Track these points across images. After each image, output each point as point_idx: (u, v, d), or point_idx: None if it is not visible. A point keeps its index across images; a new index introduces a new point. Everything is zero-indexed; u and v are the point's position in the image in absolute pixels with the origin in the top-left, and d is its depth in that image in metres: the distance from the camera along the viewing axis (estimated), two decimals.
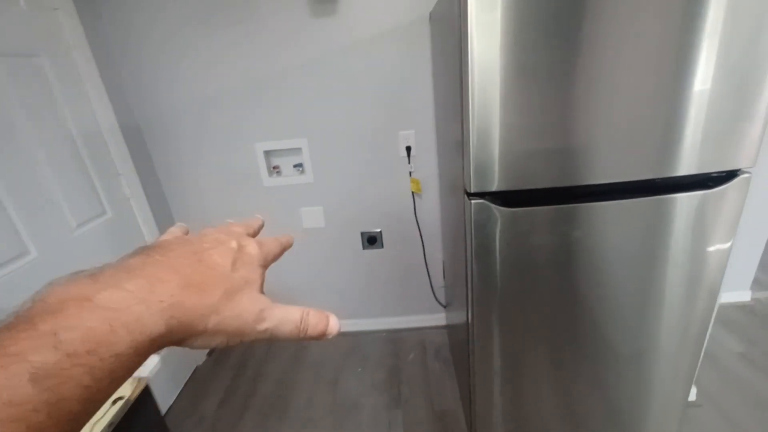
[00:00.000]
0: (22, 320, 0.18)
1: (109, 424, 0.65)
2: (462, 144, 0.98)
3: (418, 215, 1.78)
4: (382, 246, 1.86)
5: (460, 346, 1.52)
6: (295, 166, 1.74)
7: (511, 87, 0.89)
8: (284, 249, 0.32)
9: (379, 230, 1.83)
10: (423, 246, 1.84)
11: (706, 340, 1.20)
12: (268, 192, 1.75)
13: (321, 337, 0.27)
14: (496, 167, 0.96)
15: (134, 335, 0.19)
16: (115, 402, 0.68)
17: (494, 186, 0.97)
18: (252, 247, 0.27)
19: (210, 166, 1.72)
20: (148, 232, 1.62)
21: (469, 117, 0.91)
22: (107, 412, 0.66)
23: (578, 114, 0.92)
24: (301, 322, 0.26)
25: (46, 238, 1.18)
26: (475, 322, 1.13)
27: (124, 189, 1.51)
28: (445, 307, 1.98)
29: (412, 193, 1.74)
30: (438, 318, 2.02)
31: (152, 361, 0.76)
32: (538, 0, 0.82)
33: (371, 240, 1.85)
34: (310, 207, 1.78)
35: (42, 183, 1.18)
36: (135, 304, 0.19)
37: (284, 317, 0.25)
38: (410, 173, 1.71)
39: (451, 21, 1.02)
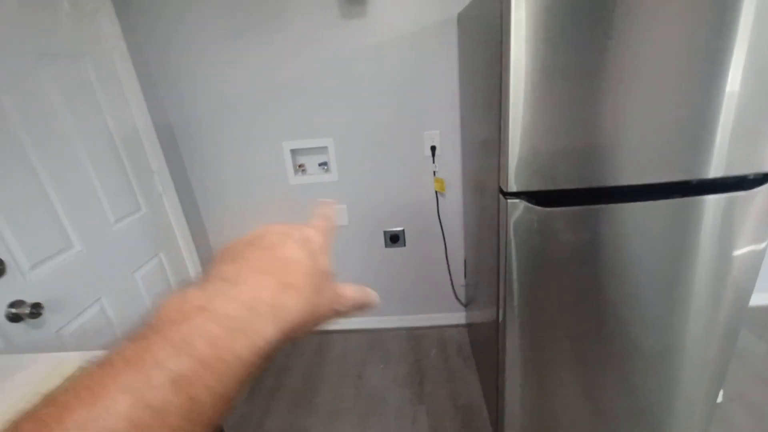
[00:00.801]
0: (151, 332, 0.19)
1: None
2: (499, 144, 0.99)
3: (440, 214, 1.80)
4: (405, 244, 1.89)
5: (484, 344, 1.53)
6: (320, 164, 1.77)
7: (544, 87, 0.90)
8: (332, 230, 0.32)
9: (401, 229, 1.86)
10: (445, 245, 1.86)
11: (736, 342, 1.20)
12: (293, 190, 1.79)
13: (370, 308, 0.30)
14: (532, 167, 0.98)
15: (252, 339, 0.20)
16: None
17: (530, 186, 0.99)
18: (315, 235, 0.29)
19: (237, 164, 1.76)
20: (178, 228, 1.67)
21: (508, 117, 0.92)
22: None
23: (610, 115, 0.93)
24: (361, 299, 0.29)
25: (88, 233, 1.22)
26: (506, 321, 1.15)
27: (157, 186, 1.56)
28: (465, 305, 2.00)
29: (436, 192, 1.76)
30: (458, 316, 2.04)
31: None
32: (573, 1, 0.84)
33: (394, 238, 1.87)
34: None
35: (85, 180, 1.23)
36: (246, 310, 0.20)
37: (353, 298, 0.29)
38: (434, 172, 1.73)
39: (486, 22, 1.03)
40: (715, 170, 0.97)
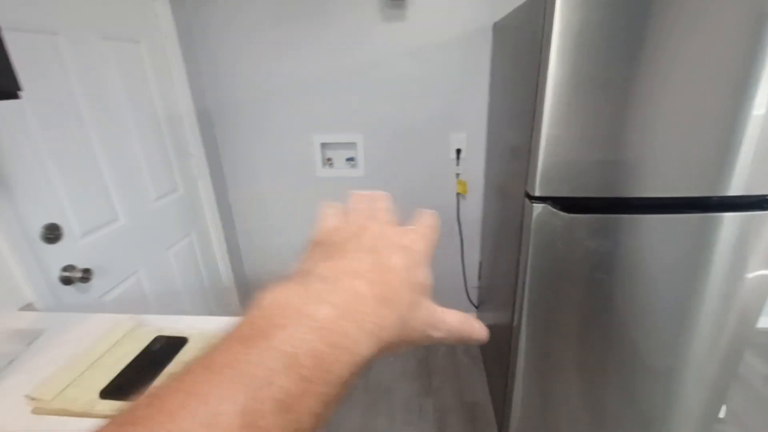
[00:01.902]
0: (257, 333, 0.17)
1: None
2: (529, 149, 1.04)
3: (460, 216, 1.85)
4: None
5: (494, 346, 1.58)
6: (347, 159, 1.84)
7: (577, 99, 0.95)
8: (435, 240, 0.29)
9: None
10: (462, 246, 1.91)
11: (739, 363, 1.23)
12: (319, 182, 1.85)
13: (475, 343, 0.27)
14: (559, 174, 1.03)
15: (353, 357, 0.18)
16: None
17: (556, 191, 1.04)
18: (419, 244, 0.26)
19: (268, 153, 1.83)
20: (209, 211, 1.74)
21: (541, 125, 0.98)
22: None
23: (638, 129, 0.97)
24: (465, 330, 0.26)
25: (132, 208, 1.30)
26: (522, 324, 1.19)
27: (193, 169, 1.63)
28: (477, 307, 2.05)
29: (457, 194, 1.81)
30: None
31: None
32: (611, 18, 0.88)
33: None
34: None
35: (133, 157, 1.31)
36: (347, 323, 0.19)
37: (453, 326, 0.25)
38: (457, 175, 1.78)
39: (525, 33, 1.09)
40: (735, 189, 1.01)
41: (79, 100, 1.10)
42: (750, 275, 1.10)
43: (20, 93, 0.66)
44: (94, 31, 1.15)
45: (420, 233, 0.27)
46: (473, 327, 0.26)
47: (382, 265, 0.23)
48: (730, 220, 1.04)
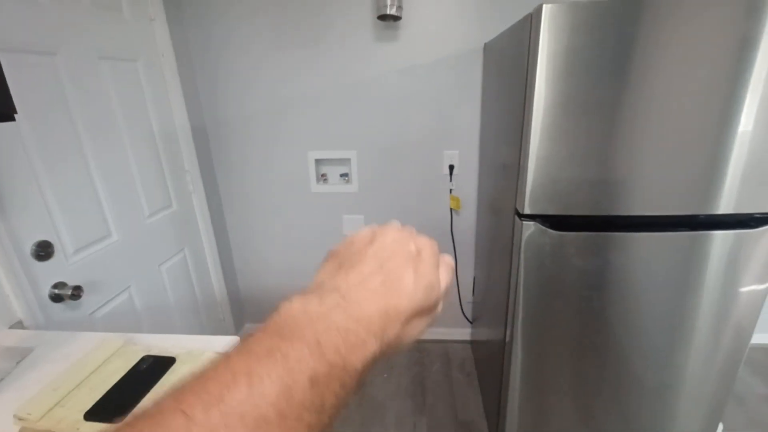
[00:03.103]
0: (281, 331, 0.20)
1: None
2: (518, 168, 1.06)
3: (453, 231, 1.86)
4: None
5: (488, 362, 1.57)
6: (341, 175, 1.85)
7: (564, 119, 0.97)
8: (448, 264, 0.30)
9: None
10: (456, 261, 1.92)
11: (735, 380, 1.23)
12: (314, 197, 1.86)
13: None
14: (548, 192, 1.04)
15: (365, 353, 0.21)
16: None
17: (545, 210, 1.05)
18: (429, 247, 0.28)
19: (263, 169, 1.84)
20: (203, 226, 1.75)
21: (528, 144, 0.99)
22: None
23: (625, 148, 0.99)
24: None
25: (125, 224, 1.31)
26: (513, 340, 1.19)
27: (188, 185, 1.64)
28: (471, 322, 2.04)
29: (451, 209, 1.83)
30: (463, 332, 2.08)
31: (235, 340, 0.86)
32: (596, 42, 0.91)
33: None
34: (352, 215, 1.88)
35: (127, 173, 1.32)
36: (359, 328, 0.22)
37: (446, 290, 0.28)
38: (451, 190, 1.80)
39: (513, 55, 1.11)
40: (724, 207, 1.02)
41: (75, 118, 1.11)
42: (741, 292, 1.11)
43: (15, 115, 0.67)
44: (92, 50, 1.17)
45: (430, 243, 0.29)
46: (452, 273, 0.29)
47: (392, 275, 0.25)
48: (718, 238, 1.05)
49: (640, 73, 0.92)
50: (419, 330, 0.26)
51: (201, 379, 0.18)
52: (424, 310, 0.26)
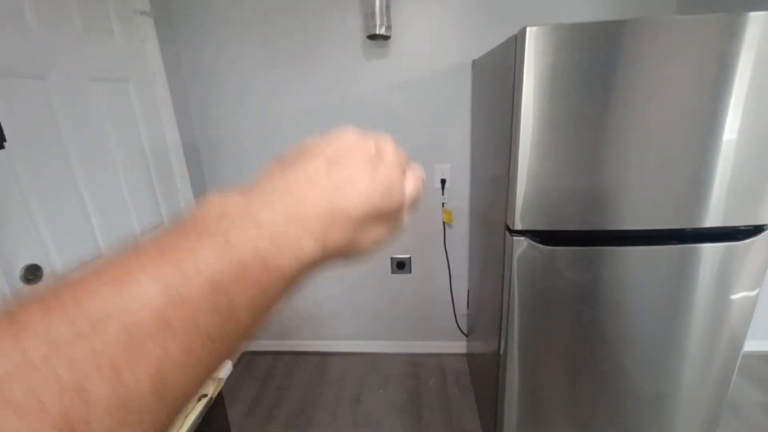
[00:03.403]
0: (190, 227, 0.18)
1: (194, 423, 0.73)
2: (507, 185, 1.07)
3: (447, 244, 1.86)
4: (410, 271, 1.95)
5: (483, 375, 1.57)
6: None
7: (550, 136, 0.99)
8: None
9: (408, 256, 1.92)
10: (449, 274, 1.92)
11: (729, 389, 1.23)
12: None
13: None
14: (538, 208, 1.05)
15: (296, 254, 0.19)
16: (200, 399, 0.76)
17: (535, 225, 1.06)
18: (392, 152, 0.25)
19: None
20: None
21: (517, 163, 1.01)
22: (194, 408, 0.74)
23: (612, 164, 1.01)
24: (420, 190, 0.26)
25: (116, 244, 1.29)
26: (507, 353, 1.19)
27: (179, 202, 1.64)
28: (466, 335, 2.03)
29: (443, 223, 1.84)
30: (458, 345, 2.07)
31: (227, 365, 0.85)
32: (580, 60, 0.93)
33: (400, 265, 1.93)
34: None
35: (119, 194, 1.31)
36: (292, 226, 0.19)
37: (413, 199, 0.25)
38: (443, 204, 1.81)
39: (500, 73, 1.14)
40: (711, 221, 1.04)
41: (66, 141, 1.11)
42: (732, 300, 1.12)
43: (5, 144, 0.67)
44: (83, 73, 1.17)
45: (398, 150, 0.26)
46: (421, 183, 0.26)
47: (341, 179, 0.21)
48: (707, 250, 1.06)
49: (623, 90, 0.95)
50: (377, 237, 0.23)
51: (73, 283, 0.14)
52: (383, 216, 0.23)
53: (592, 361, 1.20)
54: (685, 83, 0.93)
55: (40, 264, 1.04)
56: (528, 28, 0.89)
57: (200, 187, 1.80)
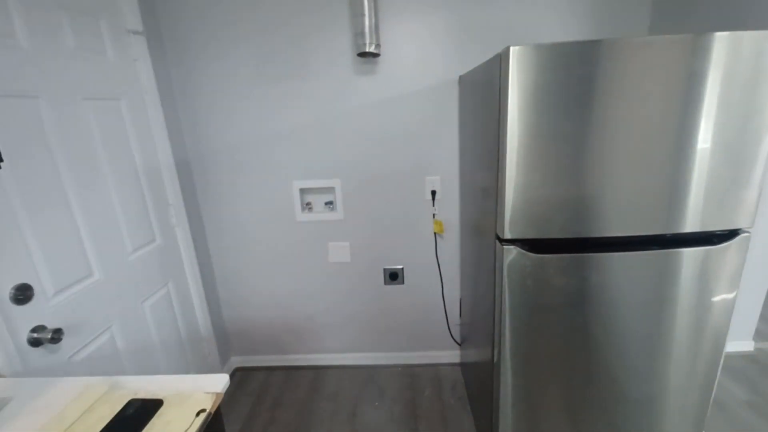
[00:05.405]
0: None
1: None
2: (496, 196, 1.11)
3: (438, 254, 1.89)
4: (403, 282, 1.96)
5: (478, 384, 1.58)
6: (326, 203, 1.88)
7: (536, 150, 1.03)
8: None
9: (401, 267, 1.94)
10: (442, 284, 1.94)
11: (714, 387, 1.28)
12: (299, 226, 1.88)
13: None
14: (526, 218, 1.09)
15: None
16: (198, 414, 0.76)
17: (524, 234, 1.10)
18: None
19: (248, 200, 1.85)
20: (187, 259, 1.73)
21: (504, 174, 1.05)
22: (193, 423, 0.74)
23: (592, 173, 1.05)
24: None
25: (107, 262, 1.29)
26: (501, 360, 1.21)
27: (171, 218, 1.64)
28: (460, 344, 2.05)
29: (435, 233, 1.87)
30: (452, 355, 2.08)
31: (224, 379, 0.85)
32: (562, 78, 0.98)
33: (393, 276, 1.95)
34: (337, 242, 1.90)
35: (110, 211, 1.31)
36: None
37: None
38: (434, 215, 1.84)
39: (486, 88, 1.18)
40: (690, 226, 1.09)
41: (57, 159, 1.11)
42: (712, 302, 1.17)
43: (1, 164, 0.67)
44: (75, 92, 1.18)
45: None
46: None
47: None
48: (687, 254, 1.11)
49: (602, 104, 1.00)
50: None
51: None
52: None
53: (582, 365, 1.23)
54: (660, 97, 0.99)
55: (30, 283, 1.03)
56: (511, 48, 0.94)
57: (193, 203, 1.80)
